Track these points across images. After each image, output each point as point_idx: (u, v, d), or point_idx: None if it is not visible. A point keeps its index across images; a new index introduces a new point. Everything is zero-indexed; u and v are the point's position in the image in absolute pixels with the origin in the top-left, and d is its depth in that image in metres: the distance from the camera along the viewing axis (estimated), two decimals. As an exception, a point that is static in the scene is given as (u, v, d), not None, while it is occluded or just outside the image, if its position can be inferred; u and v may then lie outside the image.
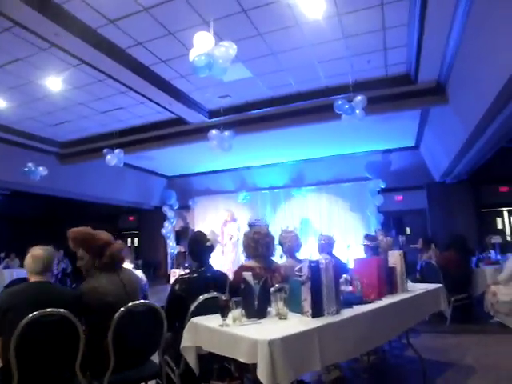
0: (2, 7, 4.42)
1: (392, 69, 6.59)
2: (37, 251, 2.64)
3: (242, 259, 4.44)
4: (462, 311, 5.77)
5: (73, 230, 2.83)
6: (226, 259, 11.16)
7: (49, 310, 2.26)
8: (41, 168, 8.60)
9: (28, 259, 2.63)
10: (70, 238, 2.79)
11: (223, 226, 11.82)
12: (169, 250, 13.62)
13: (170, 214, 13.46)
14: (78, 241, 2.78)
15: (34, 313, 2.20)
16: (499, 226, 10.90)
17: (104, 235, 2.83)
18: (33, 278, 2.60)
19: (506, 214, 10.98)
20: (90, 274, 2.76)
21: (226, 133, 7.31)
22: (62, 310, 2.29)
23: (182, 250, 12.72)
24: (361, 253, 5.70)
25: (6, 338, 2.16)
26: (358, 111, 6.10)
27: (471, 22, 4.61)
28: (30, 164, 8.48)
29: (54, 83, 6.70)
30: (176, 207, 13.73)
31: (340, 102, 6.17)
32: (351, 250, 9.74)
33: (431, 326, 5.46)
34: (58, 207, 16.06)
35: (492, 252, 7.76)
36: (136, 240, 15.64)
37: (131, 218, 15.86)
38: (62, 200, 12.87)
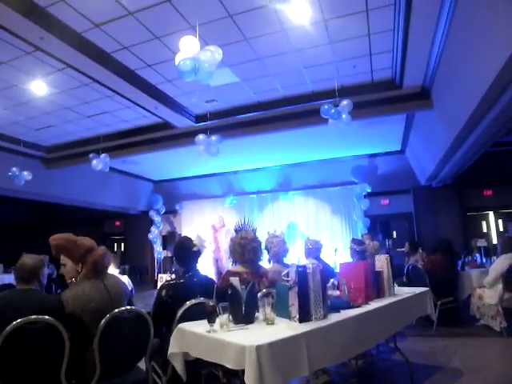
0: (-16, 10, 4.35)
1: (377, 74, 6.66)
2: (25, 259, 2.61)
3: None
4: (448, 314, 5.81)
5: (54, 237, 2.78)
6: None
7: (33, 316, 2.22)
8: (25, 172, 8.46)
9: (16, 267, 2.60)
10: (51, 245, 2.75)
11: (215, 233, 11.78)
12: (156, 255, 13.52)
13: (156, 218, 13.36)
14: (60, 248, 2.75)
15: (18, 320, 2.15)
16: (484, 230, 11.07)
17: (86, 241, 2.79)
18: (19, 286, 2.56)
19: (491, 217, 11.15)
20: (73, 280, 2.72)
21: (213, 137, 7.29)
22: (46, 316, 2.26)
23: (169, 254, 12.65)
24: (348, 257, 5.73)
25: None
26: (344, 116, 6.14)
27: (455, 28, 4.70)
28: (14, 168, 8.34)
29: (39, 87, 6.62)
30: (163, 212, 13.64)
31: (326, 107, 6.21)
32: (338, 254, 9.77)
33: (418, 330, 5.51)
34: (43, 212, 15.86)
35: (477, 255, 7.86)
36: (122, 245, 15.50)
37: (118, 223, 15.71)
38: (48, 205, 12.71)
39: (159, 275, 12.29)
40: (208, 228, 11.94)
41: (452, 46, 5.05)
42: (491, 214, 11.14)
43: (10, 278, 9.45)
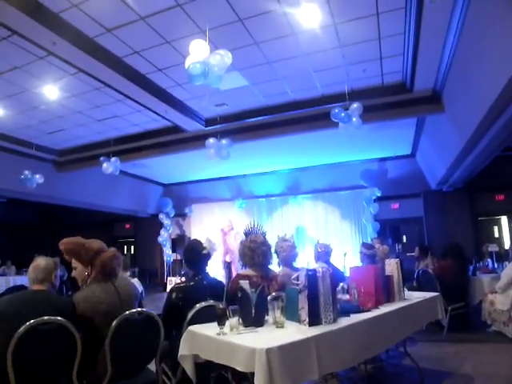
0: (0, 17, 4.43)
1: (388, 77, 6.64)
2: (39, 261, 2.64)
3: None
4: (459, 320, 5.74)
5: (63, 241, 2.80)
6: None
7: (46, 317, 2.24)
8: (37, 176, 8.59)
9: (30, 268, 2.63)
10: (61, 249, 2.77)
11: (224, 236, 11.81)
12: (165, 258, 13.57)
13: (166, 221, 13.42)
14: (69, 252, 2.77)
15: (31, 321, 2.17)
16: (496, 235, 10.93)
17: (95, 244, 2.80)
18: (33, 287, 2.59)
19: (502, 222, 11.02)
20: (84, 283, 2.75)
21: (224, 141, 7.33)
22: (59, 317, 2.28)
23: (179, 257, 12.68)
24: (357, 261, 5.69)
25: (3, 346, 2.14)
26: (354, 119, 6.13)
27: (466, 31, 4.67)
28: (26, 172, 8.47)
29: (51, 91, 6.72)
30: (172, 215, 13.70)
31: (337, 111, 6.20)
32: (347, 258, 9.72)
33: (428, 335, 5.45)
34: (54, 215, 16.03)
35: (489, 260, 7.77)
36: (132, 248, 15.58)
37: (127, 226, 15.81)
38: (59, 207, 12.84)
39: (169, 278, 12.34)
40: (217, 231, 11.96)
41: (463, 49, 5.02)
42: (503, 219, 11.00)
43: (21, 280, 9.58)
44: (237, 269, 10.88)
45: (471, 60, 4.96)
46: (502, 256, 7.79)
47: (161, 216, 13.42)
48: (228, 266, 10.90)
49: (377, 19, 5.02)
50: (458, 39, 4.93)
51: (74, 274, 2.83)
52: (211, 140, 7.28)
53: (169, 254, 13.33)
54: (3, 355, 2.11)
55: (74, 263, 2.80)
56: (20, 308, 2.32)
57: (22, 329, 2.13)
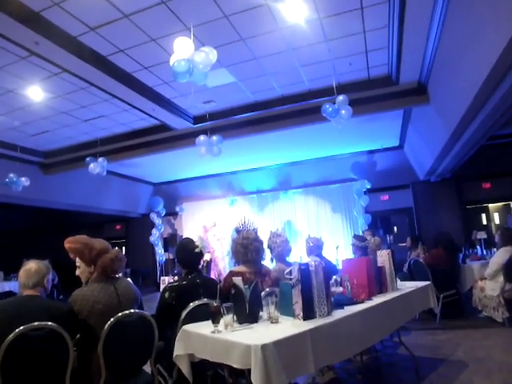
0: (-21, 17, 4.35)
1: (374, 71, 6.67)
2: (30, 265, 2.59)
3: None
4: (451, 307, 5.83)
5: (68, 239, 2.80)
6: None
7: (36, 323, 2.21)
8: (23, 178, 8.45)
9: (20, 273, 2.59)
10: (66, 247, 2.76)
11: (205, 233, 11.83)
12: (157, 258, 13.51)
13: (157, 221, 13.36)
14: (73, 250, 2.76)
15: (21, 327, 2.15)
16: (484, 222, 11.10)
17: (98, 244, 2.78)
18: (24, 292, 2.55)
19: (490, 209, 11.18)
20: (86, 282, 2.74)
21: (214, 137, 7.28)
22: (49, 323, 2.25)
23: (171, 257, 12.65)
24: (349, 253, 5.73)
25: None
26: (343, 111, 6.11)
27: (449, 23, 4.71)
28: (11, 175, 8.31)
29: (35, 92, 6.62)
30: (163, 214, 13.63)
31: (328, 107, 6.12)
32: (340, 251, 9.80)
33: (422, 324, 5.53)
34: (42, 218, 15.80)
35: (478, 248, 7.87)
36: (124, 248, 15.46)
37: (118, 227, 15.69)
38: (47, 210, 12.67)
39: (161, 278, 12.27)
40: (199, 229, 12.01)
41: (447, 41, 5.06)
42: (490, 207, 11.16)
43: (10, 286, 9.45)
44: (219, 268, 10.97)
45: (455, 51, 5.00)
46: (491, 243, 7.90)
47: (152, 215, 13.34)
48: (207, 265, 10.92)
49: (361, 13, 5.03)
50: (442, 31, 4.97)
51: (77, 272, 2.81)
52: (202, 137, 7.23)
53: (161, 254, 13.28)
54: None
55: (78, 262, 2.78)
56: (13, 314, 2.29)
57: (11, 336, 2.10)
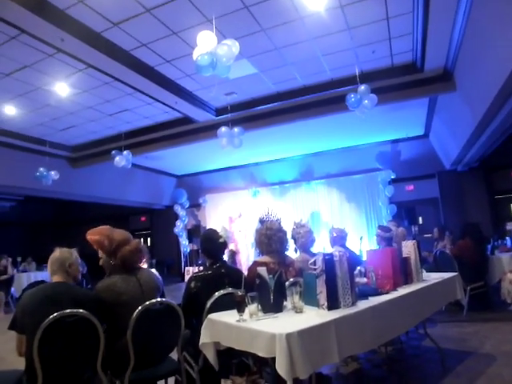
0: (8, 16, 4.47)
1: (398, 58, 6.54)
2: (54, 253, 2.66)
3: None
4: (478, 299, 5.71)
5: (90, 231, 2.83)
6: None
7: (68, 310, 2.29)
8: (52, 172, 8.70)
9: (48, 261, 2.66)
10: (87, 239, 2.81)
11: (231, 223, 11.94)
12: (182, 249, 13.72)
13: (181, 212, 13.55)
14: (94, 242, 2.80)
15: (55, 314, 2.22)
16: (514, 212, 10.77)
17: (119, 236, 2.81)
18: (52, 279, 2.62)
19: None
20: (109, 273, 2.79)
21: (236, 129, 7.30)
22: (80, 310, 2.32)
23: (195, 247, 12.82)
24: (373, 244, 5.68)
25: (29, 338, 2.19)
26: (366, 101, 6.03)
27: (477, 6, 4.55)
28: (41, 169, 8.59)
29: (62, 88, 6.78)
30: (187, 206, 13.81)
31: (352, 96, 6.06)
32: (364, 241, 9.72)
33: (448, 316, 5.44)
34: (69, 210, 16.26)
35: (507, 239, 7.66)
36: (149, 240, 15.76)
37: (143, 219, 15.99)
38: (74, 203, 13.02)
39: (186, 268, 12.50)
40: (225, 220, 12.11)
41: (474, 25, 4.90)
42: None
43: (42, 275, 9.78)
44: (238, 258, 11.04)
45: (483, 35, 4.84)
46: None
47: (176, 207, 13.54)
48: (232, 256, 11.02)
49: (384, -2, 4.93)
50: (469, 14, 4.81)
51: (101, 262, 2.87)
52: (223, 129, 7.26)
53: (185, 245, 13.49)
54: (29, 348, 2.17)
55: (100, 253, 2.83)
56: (41, 301, 2.36)
57: (45, 322, 2.18)
